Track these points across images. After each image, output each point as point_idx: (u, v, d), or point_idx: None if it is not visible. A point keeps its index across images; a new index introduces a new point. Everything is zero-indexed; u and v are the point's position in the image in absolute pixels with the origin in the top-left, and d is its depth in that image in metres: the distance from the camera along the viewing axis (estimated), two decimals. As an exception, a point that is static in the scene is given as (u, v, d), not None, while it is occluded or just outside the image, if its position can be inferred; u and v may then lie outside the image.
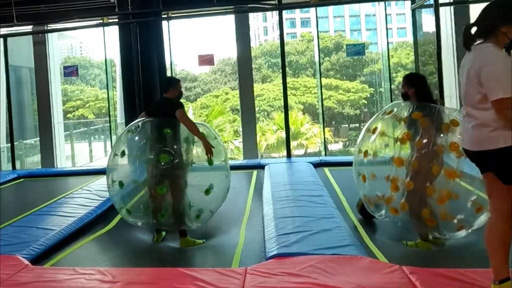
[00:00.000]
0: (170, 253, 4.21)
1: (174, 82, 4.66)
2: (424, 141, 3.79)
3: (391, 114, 4.08)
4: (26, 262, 3.57)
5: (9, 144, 10.56)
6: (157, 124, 4.46)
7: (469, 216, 3.81)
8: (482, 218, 3.74)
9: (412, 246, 3.93)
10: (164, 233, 4.57)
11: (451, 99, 10.67)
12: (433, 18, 8.44)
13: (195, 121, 4.92)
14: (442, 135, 3.83)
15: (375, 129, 4.14)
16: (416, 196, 3.84)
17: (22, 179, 8.14)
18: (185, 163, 4.49)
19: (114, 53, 11.88)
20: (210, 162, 4.42)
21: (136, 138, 4.56)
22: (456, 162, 3.72)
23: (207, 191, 4.48)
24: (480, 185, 3.60)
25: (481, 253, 3.77)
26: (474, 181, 3.74)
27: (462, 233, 3.89)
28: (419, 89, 4.00)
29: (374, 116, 4.38)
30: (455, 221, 3.83)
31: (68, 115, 22.61)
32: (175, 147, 4.40)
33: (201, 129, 4.49)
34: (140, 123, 4.56)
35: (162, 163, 4.29)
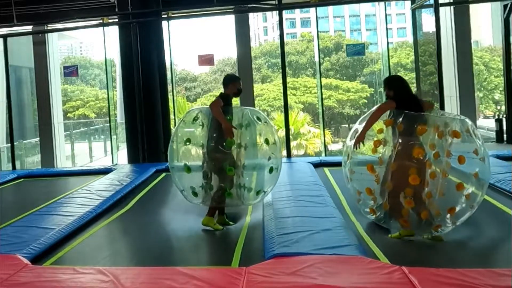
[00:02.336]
0: (170, 252, 4.21)
1: (232, 80, 4.96)
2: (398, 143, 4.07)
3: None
4: (26, 261, 3.56)
5: (9, 144, 10.56)
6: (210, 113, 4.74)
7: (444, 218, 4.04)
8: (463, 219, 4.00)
9: (396, 237, 4.09)
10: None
11: (451, 99, 10.67)
12: (433, 18, 8.44)
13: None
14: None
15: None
16: (396, 196, 4.07)
17: (22, 179, 8.14)
18: (240, 146, 4.78)
19: (114, 53, 11.90)
20: (228, 142, 4.60)
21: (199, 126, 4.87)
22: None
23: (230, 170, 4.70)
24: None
25: (481, 253, 3.79)
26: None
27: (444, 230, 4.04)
28: (397, 90, 4.27)
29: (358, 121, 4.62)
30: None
31: (68, 115, 22.60)
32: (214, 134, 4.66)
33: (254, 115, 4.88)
34: (197, 112, 4.89)
35: (227, 148, 4.59)
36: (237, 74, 6.97)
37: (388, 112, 4.25)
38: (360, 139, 4.24)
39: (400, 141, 4.04)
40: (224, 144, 4.59)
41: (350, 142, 4.47)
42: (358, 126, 4.43)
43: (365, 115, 4.50)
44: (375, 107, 4.43)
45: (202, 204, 4.87)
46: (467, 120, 4.17)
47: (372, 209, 4.39)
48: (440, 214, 4.01)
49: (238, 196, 4.80)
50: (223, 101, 4.67)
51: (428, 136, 4.05)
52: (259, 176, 4.95)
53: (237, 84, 4.92)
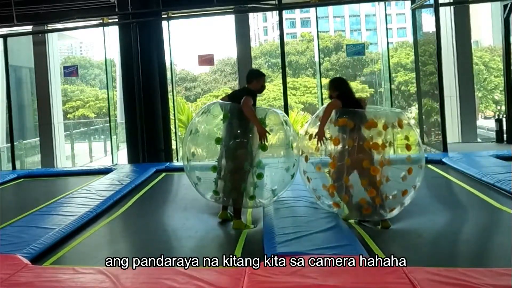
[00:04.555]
0: (169, 253, 4.21)
1: (256, 76, 4.80)
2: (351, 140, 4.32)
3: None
4: (26, 261, 3.56)
5: (9, 144, 10.56)
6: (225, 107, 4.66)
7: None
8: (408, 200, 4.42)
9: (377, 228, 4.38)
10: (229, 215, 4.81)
11: (451, 99, 10.67)
12: (433, 18, 8.43)
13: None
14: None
15: (311, 135, 4.57)
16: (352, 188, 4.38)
17: (22, 179, 8.13)
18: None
19: (114, 53, 11.89)
20: (263, 147, 4.57)
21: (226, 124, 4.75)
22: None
23: (260, 176, 4.71)
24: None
25: (480, 253, 3.80)
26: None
27: (395, 212, 4.43)
28: (342, 91, 4.52)
29: (309, 120, 4.87)
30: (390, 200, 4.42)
31: (68, 115, 22.61)
32: (238, 131, 4.62)
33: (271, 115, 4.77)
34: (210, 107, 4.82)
35: (250, 149, 4.57)
36: (237, 75, 6.95)
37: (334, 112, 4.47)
38: (321, 135, 4.38)
39: (352, 137, 4.31)
40: (247, 143, 4.54)
41: (309, 143, 4.64)
42: (308, 127, 4.65)
43: (313, 116, 4.74)
44: (323, 106, 4.65)
45: (214, 201, 4.88)
46: (402, 113, 4.58)
47: (336, 203, 4.55)
48: (395, 197, 4.37)
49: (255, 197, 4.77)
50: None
51: (376, 129, 4.34)
52: (282, 179, 4.84)
53: (262, 80, 4.75)
